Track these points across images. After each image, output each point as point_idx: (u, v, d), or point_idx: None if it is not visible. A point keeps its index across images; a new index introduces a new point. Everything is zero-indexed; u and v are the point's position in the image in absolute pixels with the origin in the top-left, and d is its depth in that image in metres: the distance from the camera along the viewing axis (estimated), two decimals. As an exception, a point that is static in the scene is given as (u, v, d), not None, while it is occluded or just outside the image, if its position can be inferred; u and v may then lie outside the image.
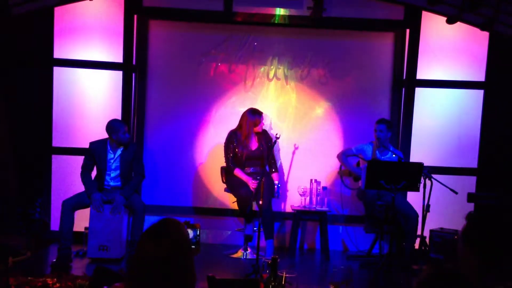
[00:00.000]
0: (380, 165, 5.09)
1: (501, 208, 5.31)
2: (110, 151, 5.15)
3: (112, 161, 5.15)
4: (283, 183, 6.02)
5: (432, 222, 5.54)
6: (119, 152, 5.16)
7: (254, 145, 5.57)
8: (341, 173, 5.83)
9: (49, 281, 4.17)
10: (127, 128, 5.17)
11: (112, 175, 5.17)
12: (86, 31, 5.77)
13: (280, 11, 5.84)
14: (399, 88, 5.98)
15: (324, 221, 5.57)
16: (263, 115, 5.59)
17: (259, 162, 5.56)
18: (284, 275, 2.43)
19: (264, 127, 5.70)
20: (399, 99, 5.98)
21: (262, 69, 6.01)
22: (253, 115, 5.49)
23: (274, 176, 5.56)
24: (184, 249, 1.77)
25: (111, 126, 5.07)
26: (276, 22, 5.85)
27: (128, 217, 5.38)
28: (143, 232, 1.80)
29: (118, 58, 5.82)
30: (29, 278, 4.18)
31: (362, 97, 6.02)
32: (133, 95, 5.92)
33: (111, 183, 5.17)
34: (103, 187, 5.16)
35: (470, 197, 5.53)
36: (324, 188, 5.74)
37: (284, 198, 6.04)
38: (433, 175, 5.13)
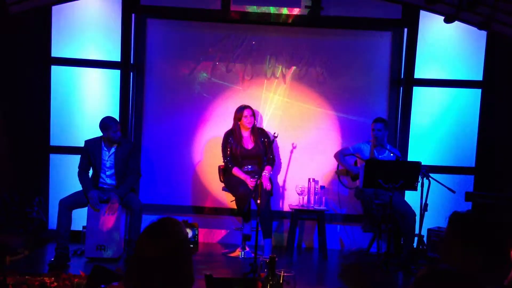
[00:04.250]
0: (377, 164, 5.09)
1: (498, 207, 5.32)
2: (105, 149, 5.15)
3: (106, 159, 5.14)
4: (276, 185, 6.03)
5: (430, 221, 5.54)
6: (113, 150, 5.16)
7: (250, 144, 5.57)
8: (339, 173, 5.84)
9: (47, 280, 4.16)
10: (120, 127, 5.14)
11: (108, 173, 5.16)
12: (83, 29, 5.77)
13: (278, 10, 5.84)
14: (396, 87, 5.99)
15: (322, 220, 5.57)
16: (248, 109, 5.48)
17: (257, 160, 5.56)
18: (282, 274, 2.42)
19: (259, 125, 5.70)
20: (397, 98, 5.99)
21: (260, 68, 6.01)
22: (237, 111, 5.51)
23: (267, 168, 5.52)
24: (183, 249, 1.76)
25: (103, 123, 5.07)
26: (273, 21, 5.85)
27: (126, 216, 5.38)
28: (141, 232, 1.80)
29: (116, 56, 5.81)
30: (26, 277, 4.17)
31: (360, 96, 6.02)
32: (131, 94, 5.91)
33: (107, 181, 5.17)
34: (99, 186, 5.15)
35: (468, 196, 5.54)
36: (322, 187, 5.74)
37: (282, 197, 6.04)
38: (431, 174, 5.13)
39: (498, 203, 5.35)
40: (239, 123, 5.52)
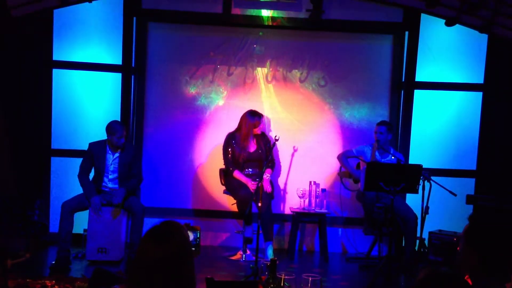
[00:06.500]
0: (379, 167, 5.09)
1: (500, 210, 5.31)
2: (109, 152, 5.15)
3: (110, 162, 5.15)
4: (277, 187, 6.03)
5: (431, 224, 5.54)
6: (117, 154, 5.16)
7: (252, 147, 5.58)
8: (341, 175, 5.84)
9: (48, 283, 4.17)
10: (126, 133, 5.15)
11: (110, 177, 5.17)
12: (85, 33, 5.79)
13: (279, 14, 5.85)
14: (398, 90, 6.00)
15: (323, 223, 5.57)
16: (263, 117, 5.60)
17: (258, 163, 5.57)
18: (283, 277, 2.43)
19: (262, 129, 5.71)
20: (398, 101, 6.00)
21: (261, 71, 6.02)
22: (253, 117, 5.50)
23: (268, 171, 5.51)
24: (185, 252, 1.77)
25: (110, 127, 5.08)
26: (275, 24, 5.86)
27: (127, 219, 5.38)
28: (144, 234, 1.81)
29: (117, 60, 5.82)
30: (27, 280, 4.18)
31: (361, 99, 6.02)
32: (132, 97, 5.92)
33: (109, 185, 5.17)
34: (101, 189, 5.15)
35: (469, 199, 5.54)
36: (323, 190, 5.74)
37: (283, 200, 6.04)
38: (432, 177, 5.13)
39: (499, 206, 5.35)
40: (254, 129, 5.52)
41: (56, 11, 5.68)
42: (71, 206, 4.95)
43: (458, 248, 2.13)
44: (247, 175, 5.50)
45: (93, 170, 5.20)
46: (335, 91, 6.03)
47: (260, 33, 6.00)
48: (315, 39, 6.03)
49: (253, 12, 5.86)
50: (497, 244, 2.00)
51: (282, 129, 5.95)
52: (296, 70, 6.02)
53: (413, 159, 5.84)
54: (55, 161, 5.84)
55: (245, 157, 5.51)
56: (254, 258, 4.78)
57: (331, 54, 6.01)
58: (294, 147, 6.01)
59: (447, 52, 5.90)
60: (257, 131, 5.54)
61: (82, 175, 5.12)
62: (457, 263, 2.11)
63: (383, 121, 5.60)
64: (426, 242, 5.49)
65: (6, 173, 5.65)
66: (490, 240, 2.01)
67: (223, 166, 5.63)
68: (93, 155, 5.12)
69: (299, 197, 5.60)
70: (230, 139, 5.56)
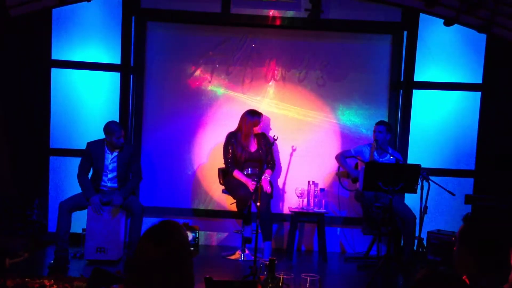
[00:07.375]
0: (377, 166, 5.09)
1: (498, 210, 5.32)
2: (108, 152, 5.15)
3: (109, 161, 5.14)
4: (276, 187, 6.03)
5: (430, 224, 5.55)
6: (115, 153, 5.16)
7: (253, 147, 5.58)
8: (339, 175, 5.85)
9: (46, 282, 4.17)
10: (124, 133, 5.15)
11: (110, 176, 5.16)
12: (84, 32, 5.78)
13: (278, 13, 5.85)
14: (396, 90, 6.00)
15: (322, 223, 5.57)
16: (262, 115, 5.61)
17: (258, 164, 5.57)
18: (281, 276, 2.43)
19: (262, 129, 5.71)
20: (397, 101, 6.00)
21: (260, 70, 6.02)
22: (253, 116, 5.51)
23: (267, 171, 5.52)
24: (184, 251, 1.77)
25: (108, 127, 5.07)
26: (273, 24, 5.86)
27: (126, 218, 5.38)
28: (143, 234, 1.81)
29: (116, 59, 5.82)
30: (26, 279, 4.18)
31: (359, 99, 6.03)
32: (131, 97, 5.92)
33: (108, 184, 5.16)
34: (100, 188, 5.15)
35: (468, 199, 5.54)
36: (322, 189, 5.74)
37: (282, 199, 6.04)
38: (431, 177, 5.14)
39: (497, 206, 5.35)
40: (254, 128, 5.53)
41: (54, 11, 5.67)
42: (69, 206, 4.95)
43: (455, 249, 2.13)
44: (247, 175, 5.50)
45: (91, 169, 5.19)
46: (334, 90, 6.03)
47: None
48: (314, 39, 6.03)
49: (251, 11, 5.85)
50: (492, 244, 2.00)
51: (281, 128, 5.95)
52: (295, 70, 6.02)
53: (411, 159, 5.84)
54: (54, 160, 5.83)
55: (246, 157, 5.51)
56: (252, 257, 4.78)
57: (330, 53, 6.02)
58: (292, 146, 6.01)
59: (445, 52, 5.91)
60: (257, 130, 5.55)
61: (81, 175, 5.11)
62: (454, 263, 2.11)
63: (382, 120, 5.60)
64: (424, 241, 5.49)
65: (5, 173, 5.64)
66: (485, 240, 2.01)
67: (222, 166, 5.63)
68: (91, 155, 5.11)
69: (298, 196, 5.60)
70: (231, 138, 5.56)
